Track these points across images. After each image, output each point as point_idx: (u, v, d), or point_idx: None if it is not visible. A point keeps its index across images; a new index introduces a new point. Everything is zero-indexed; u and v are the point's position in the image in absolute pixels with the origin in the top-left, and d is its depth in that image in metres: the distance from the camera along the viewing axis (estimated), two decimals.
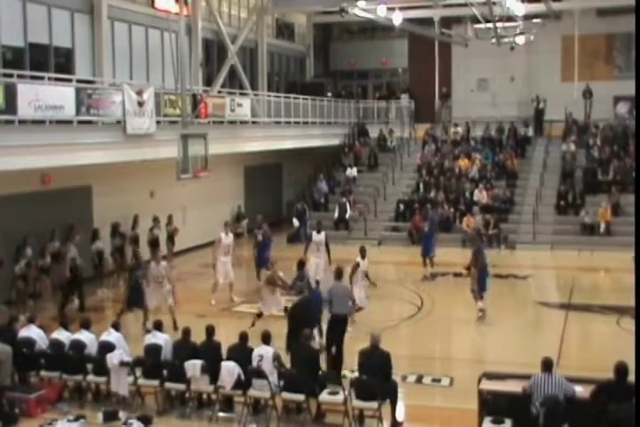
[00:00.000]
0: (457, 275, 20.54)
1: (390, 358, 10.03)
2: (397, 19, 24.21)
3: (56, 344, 11.46)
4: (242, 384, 10.31)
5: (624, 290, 16.35)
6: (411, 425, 10.21)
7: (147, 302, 14.89)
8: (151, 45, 22.67)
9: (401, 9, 24.63)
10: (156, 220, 20.78)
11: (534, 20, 26.03)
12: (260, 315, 14.66)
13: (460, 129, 30.39)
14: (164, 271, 15.07)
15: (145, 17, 22.29)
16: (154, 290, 14.98)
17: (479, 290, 15.32)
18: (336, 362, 11.83)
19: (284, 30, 32.54)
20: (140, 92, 17.99)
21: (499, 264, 20.22)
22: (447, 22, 30.82)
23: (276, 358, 10.39)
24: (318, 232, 18.12)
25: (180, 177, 17.23)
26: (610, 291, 18.99)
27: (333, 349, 11.99)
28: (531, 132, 29.71)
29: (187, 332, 11.16)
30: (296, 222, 26.14)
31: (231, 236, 17.76)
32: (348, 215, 26.23)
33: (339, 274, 12.98)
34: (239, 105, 23.09)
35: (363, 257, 15.34)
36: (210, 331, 10.96)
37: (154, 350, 11.03)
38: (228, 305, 17.08)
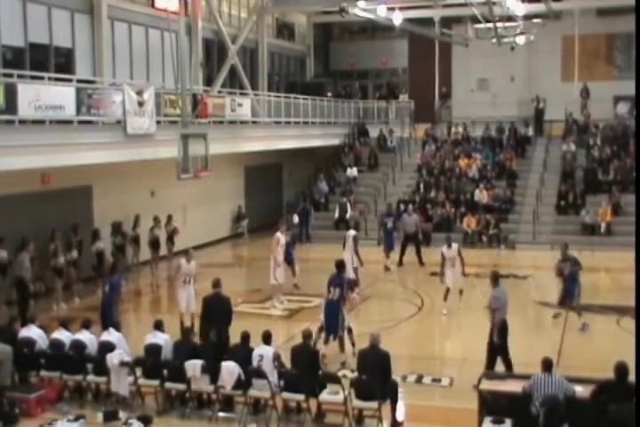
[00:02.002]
0: None
1: (389, 358, 10.03)
2: (397, 19, 24.23)
3: (56, 344, 11.47)
4: (242, 384, 10.31)
5: (624, 290, 16.37)
6: (411, 425, 10.21)
7: (180, 302, 14.57)
8: (151, 45, 22.67)
9: (401, 9, 24.66)
10: (156, 220, 20.76)
11: (534, 20, 26.06)
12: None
13: (460, 129, 30.40)
14: (194, 270, 14.73)
15: (145, 17, 22.29)
16: (184, 290, 14.57)
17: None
18: (507, 367, 11.53)
19: (284, 30, 32.55)
20: (140, 92, 17.99)
21: (499, 264, 20.24)
22: (447, 22, 30.81)
23: (277, 358, 10.39)
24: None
25: (180, 177, 17.22)
26: (610, 291, 18.98)
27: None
28: (531, 132, 29.72)
29: (187, 332, 11.16)
30: (295, 219, 26.17)
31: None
32: (348, 215, 26.24)
33: (495, 279, 12.32)
34: (239, 105, 23.09)
35: (449, 246, 16.69)
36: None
37: (154, 350, 11.03)
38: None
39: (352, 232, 18.35)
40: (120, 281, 13.69)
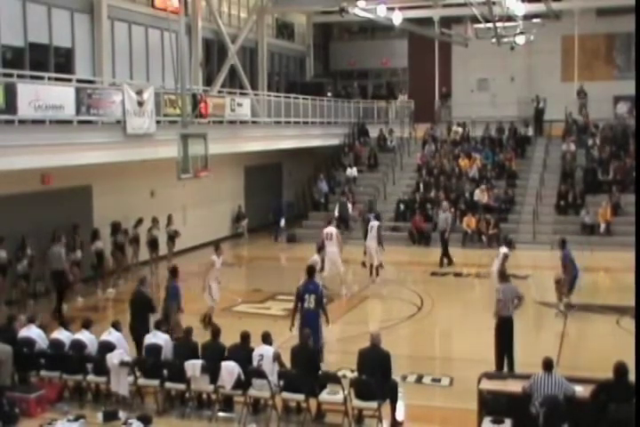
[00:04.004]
0: (457, 275, 20.58)
1: (390, 358, 10.02)
2: (397, 18, 24.24)
3: (56, 344, 11.47)
4: (242, 384, 10.31)
5: (624, 290, 16.35)
6: (411, 425, 10.20)
7: (214, 297, 14.90)
8: (151, 45, 22.67)
9: (401, 9, 24.67)
10: (155, 220, 20.76)
11: (534, 20, 26.05)
12: None
13: (459, 129, 30.39)
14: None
15: (145, 17, 22.29)
16: (216, 284, 14.98)
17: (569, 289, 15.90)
18: (509, 365, 11.55)
19: (284, 30, 32.55)
20: (139, 92, 17.99)
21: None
22: (447, 22, 30.84)
23: (277, 357, 10.39)
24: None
25: (180, 177, 17.21)
26: (610, 291, 18.97)
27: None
28: (531, 131, 29.71)
29: (188, 332, 11.15)
30: (282, 222, 27.75)
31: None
32: (350, 212, 26.20)
33: (503, 276, 12.41)
34: (239, 105, 23.08)
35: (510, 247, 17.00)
36: (215, 333, 10.96)
37: (154, 349, 11.03)
38: (229, 305, 17.04)
39: (376, 222, 19.33)
40: (177, 286, 13.62)
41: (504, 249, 16.88)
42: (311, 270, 12.84)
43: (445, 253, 21.55)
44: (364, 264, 19.86)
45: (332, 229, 18.34)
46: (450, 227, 22.32)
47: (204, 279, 14.91)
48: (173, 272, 13.60)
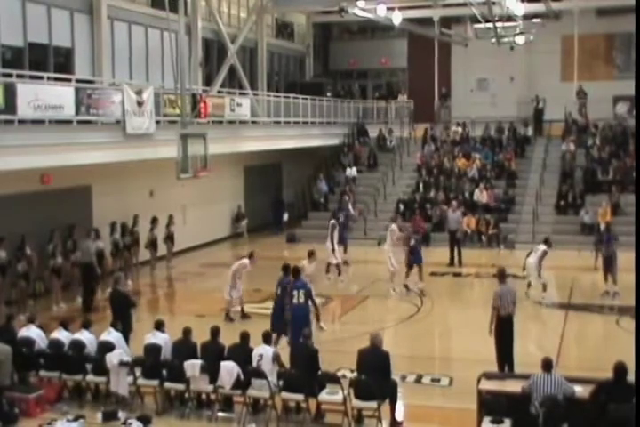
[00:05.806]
0: (456, 275, 20.56)
1: (389, 358, 10.01)
2: (397, 18, 24.26)
3: (55, 344, 11.46)
4: (241, 384, 10.31)
5: (624, 290, 16.37)
6: (410, 425, 10.19)
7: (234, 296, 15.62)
8: (151, 45, 22.67)
9: (400, 9, 24.72)
10: (154, 221, 20.73)
11: (534, 20, 26.05)
12: None
13: (459, 129, 30.39)
14: None
15: (145, 17, 22.28)
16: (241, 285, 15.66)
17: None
18: (509, 364, 11.56)
19: (284, 30, 32.56)
20: (139, 92, 17.98)
21: (498, 264, 20.19)
22: (447, 22, 30.85)
23: (276, 357, 10.38)
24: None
25: (179, 177, 17.21)
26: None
27: None
28: (530, 131, 29.71)
29: (187, 332, 11.13)
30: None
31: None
32: (352, 212, 26.17)
33: (502, 276, 12.56)
34: (239, 105, 23.08)
35: (549, 246, 17.08)
36: (214, 332, 10.95)
37: (154, 349, 11.02)
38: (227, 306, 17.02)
39: (331, 221, 19.98)
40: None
41: (543, 246, 17.03)
42: (296, 271, 13.26)
43: (459, 253, 21.54)
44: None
45: (392, 227, 18.87)
46: (461, 226, 22.36)
47: (231, 277, 15.54)
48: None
